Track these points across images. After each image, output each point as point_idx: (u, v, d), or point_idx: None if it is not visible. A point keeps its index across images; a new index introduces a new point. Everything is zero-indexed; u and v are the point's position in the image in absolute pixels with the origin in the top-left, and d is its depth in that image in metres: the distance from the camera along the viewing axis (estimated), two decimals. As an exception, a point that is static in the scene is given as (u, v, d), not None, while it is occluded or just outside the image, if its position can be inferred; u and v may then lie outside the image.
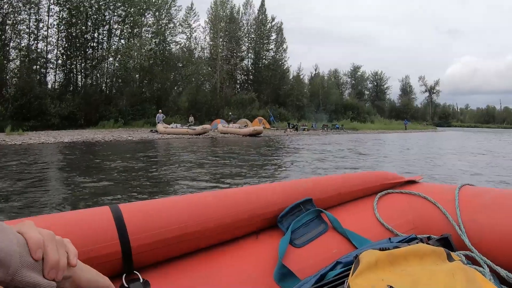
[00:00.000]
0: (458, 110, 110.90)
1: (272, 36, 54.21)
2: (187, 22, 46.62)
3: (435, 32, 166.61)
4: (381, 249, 0.85)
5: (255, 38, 53.16)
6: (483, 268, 0.98)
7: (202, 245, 1.01)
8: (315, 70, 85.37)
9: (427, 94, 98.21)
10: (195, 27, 47.56)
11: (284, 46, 54.36)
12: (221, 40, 46.90)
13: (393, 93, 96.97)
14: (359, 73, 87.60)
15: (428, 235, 1.14)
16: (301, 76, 59.96)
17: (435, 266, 0.79)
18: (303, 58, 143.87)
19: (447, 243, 1.07)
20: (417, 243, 0.98)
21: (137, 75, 38.48)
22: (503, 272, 0.99)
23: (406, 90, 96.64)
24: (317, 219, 1.20)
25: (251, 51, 53.04)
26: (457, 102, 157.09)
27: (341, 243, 1.14)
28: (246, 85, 51.29)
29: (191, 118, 30.59)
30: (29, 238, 0.48)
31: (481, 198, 1.27)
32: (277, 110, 44.75)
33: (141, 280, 0.84)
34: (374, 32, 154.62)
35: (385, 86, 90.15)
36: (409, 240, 1.06)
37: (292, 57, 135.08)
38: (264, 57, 53.51)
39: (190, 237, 0.96)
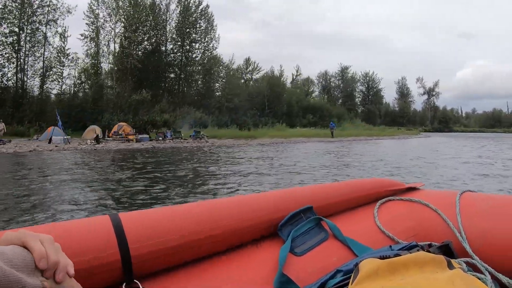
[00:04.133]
0: (463, 115, 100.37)
1: (199, 23, 45.40)
2: (93, 12, 38.53)
3: (446, 36, 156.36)
4: (381, 257, 0.86)
5: (179, 27, 43.91)
6: (484, 275, 0.97)
7: (202, 253, 1.01)
8: (297, 71, 76.59)
9: (425, 96, 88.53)
10: (103, 17, 39.41)
11: (215, 34, 45.18)
12: (118, 29, 38.40)
13: (392, 96, 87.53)
14: (349, 75, 78.75)
15: (429, 242, 1.13)
16: (235, 71, 51.56)
17: (435, 274, 0.78)
18: (313, 63, 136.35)
19: (448, 250, 1.07)
20: (418, 250, 0.98)
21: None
22: (504, 279, 0.99)
23: (404, 93, 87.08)
24: (317, 227, 1.19)
25: (171, 42, 43.77)
26: (468, 106, 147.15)
27: (341, 251, 1.14)
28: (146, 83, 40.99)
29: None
30: (33, 250, 0.51)
31: (482, 205, 1.26)
32: (193, 114, 35.93)
33: None
34: (383, 36, 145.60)
35: (377, 88, 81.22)
36: (410, 248, 1.05)
37: (302, 62, 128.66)
38: (190, 49, 44.07)
39: (190, 246, 0.96)
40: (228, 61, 46.96)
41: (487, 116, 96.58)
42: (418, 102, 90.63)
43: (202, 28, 43.72)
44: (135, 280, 0.85)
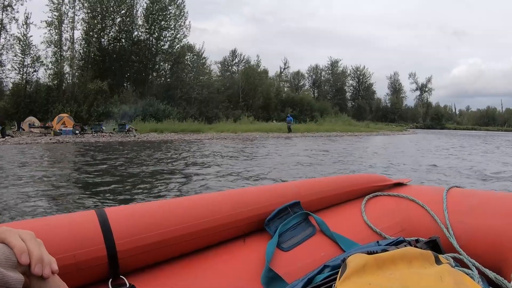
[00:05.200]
0: (457, 112, 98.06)
1: (168, 9, 41.21)
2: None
3: (440, 34, 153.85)
4: (369, 253, 0.85)
5: (147, 14, 40.33)
6: (471, 270, 0.97)
7: (189, 249, 1.00)
8: (284, 64, 74.55)
9: (418, 92, 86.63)
10: (66, 3, 37.02)
11: (186, 22, 41.86)
12: (80, 15, 35.85)
13: (385, 93, 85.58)
14: (340, 69, 76.71)
15: (416, 238, 1.13)
16: (207, 61, 46.50)
17: (423, 269, 0.78)
18: (306, 60, 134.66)
19: (436, 246, 1.07)
20: (405, 246, 1.00)
21: None
22: (491, 274, 0.99)
23: (396, 89, 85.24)
24: (304, 222, 1.19)
25: (138, 29, 40.73)
26: (463, 104, 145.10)
27: (329, 246, 1.13)
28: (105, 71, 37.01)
29: None
30: (13, 246, 0.50)
31: (469, 200, 1.27)
32: (155, 106, 33.82)
33: (128, 285, 0.83)
34: (377, 33, 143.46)
35: (368, 83, 79.45)
36: (397, 243, 1.05)
37: (295, 59, 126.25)
38: (159, 37, 41.06)
39: (177, 241, 0.95)
40: (199, 50, 44.15)
41: (480, 114, 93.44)
42: (410, 98, 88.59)
43: (171, 14, 41.12)
44: (121, 276, 0.85)
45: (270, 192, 1.20)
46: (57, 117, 24.34)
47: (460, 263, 1.04)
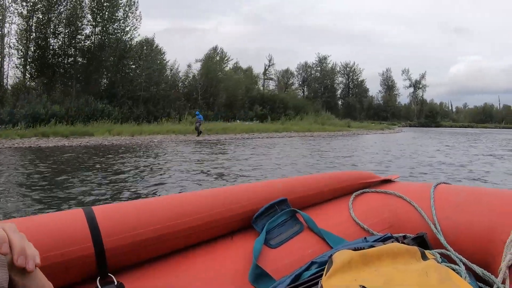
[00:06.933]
0: (454, 109, 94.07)
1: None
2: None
3: (440, 31, 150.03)
4: (355, 249, 0.86)
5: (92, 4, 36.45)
6: (459, 266, 0.98)
7: (177, 246, 1.00)
8: (269, 61, 71.14)
9: (412, 89, 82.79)
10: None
11: (136, 12, 37.59)
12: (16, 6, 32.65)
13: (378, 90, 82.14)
14: (329, 65, 73.23)
15: (403, 234, 1.13)
16: (164, 56, 41.42)
17: (409, 265, 0.79)
18: (304, 58, 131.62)
19: (423, 242, 1.07)
20: (392, 242, 0.99)
21: None
22: (478, 270, 0.99)
23: (389, 85, 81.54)
24: (292, 219, 1.19)
25: (83, 20, 36.86)
26: (461, 101, 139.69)
27: (316, 243, 1.14)
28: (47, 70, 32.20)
29: None
30: None
31: (456, 196, 1.27)
32: (92, 105, 30.60)
33: (116, 283, 0.84)
34: (376, 29, 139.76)
35: (358, 80, 75.91)
36: (384, 239, 1.05)
37: (295, 56, 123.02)
38: (104, 29, 37.15)
39: (164, 239, 0.96)
40: (150, 43, 40.01)
41: (477, 111, 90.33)
42: (404, 96, 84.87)
43: (119, 5, 36.96)
44: (109, 274, 0.85)
45: (258, 190, 1.20)
46: None
47: (447, 259, 1.04)
